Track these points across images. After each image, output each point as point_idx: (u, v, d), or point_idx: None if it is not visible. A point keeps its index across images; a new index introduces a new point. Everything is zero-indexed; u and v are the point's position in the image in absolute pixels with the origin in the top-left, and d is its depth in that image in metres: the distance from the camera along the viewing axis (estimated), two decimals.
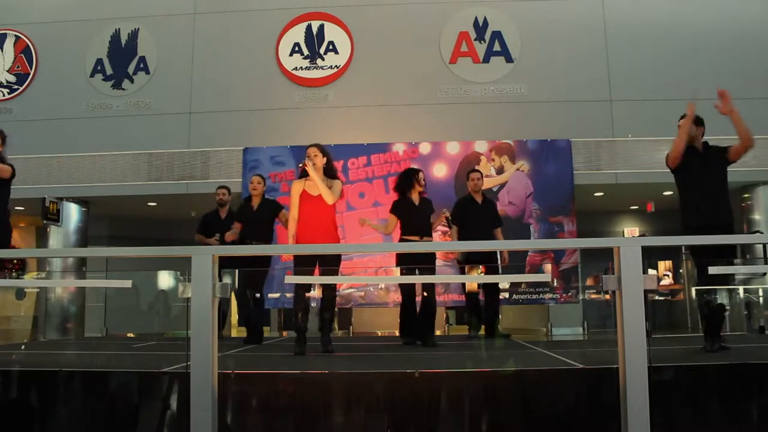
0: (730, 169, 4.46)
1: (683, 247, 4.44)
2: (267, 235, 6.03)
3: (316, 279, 4.73)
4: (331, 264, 4.73)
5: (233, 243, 5.97)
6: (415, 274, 5.48)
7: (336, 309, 9.28)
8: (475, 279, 6.36)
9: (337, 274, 4.98)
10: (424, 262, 5.49)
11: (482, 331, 6.09)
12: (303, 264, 4.79)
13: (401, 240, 5.71)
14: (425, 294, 5.57)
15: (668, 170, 4.54)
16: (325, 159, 4.86)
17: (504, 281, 7.58)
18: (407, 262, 5.59)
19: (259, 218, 5.97)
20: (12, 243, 5.41)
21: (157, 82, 9.49)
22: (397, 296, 8.44)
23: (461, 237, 5.98)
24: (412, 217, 5.60)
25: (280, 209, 6.08)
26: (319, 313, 4.84)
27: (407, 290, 5.67)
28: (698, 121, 4.50)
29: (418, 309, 5.61)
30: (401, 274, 5.91)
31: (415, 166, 7.37)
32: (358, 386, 3.23)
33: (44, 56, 9.71)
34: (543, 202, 8.56)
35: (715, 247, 4.06)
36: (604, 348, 4.28)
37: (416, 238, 5.54)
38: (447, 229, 6.22)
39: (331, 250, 4.56)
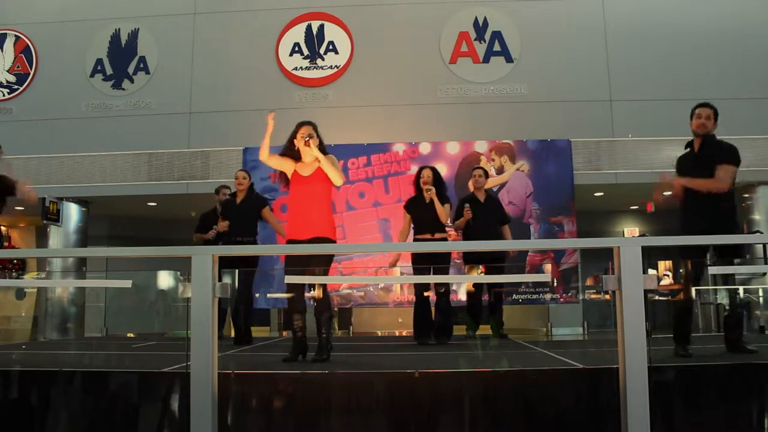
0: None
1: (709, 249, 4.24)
2: (252, 230, 5.97)
3: (316, 279, 4.60)
4: (320, 264, 4.11)
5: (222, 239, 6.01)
6: (429, 273, 5.51)
7: (336, 309, 9.35)
8: (475, 279, 6.36)
9: (326, 275, 4.45)
10: (437, 261, 5.50)
11: (480, 331, 6.11)
12: (293, 264, 4.20)
13: (415, 239, 5.74)
14: (440, 293, 5.62)
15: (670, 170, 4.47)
16: (317, 140, 4.27)
17: (504, 281, 7.58)
18: (419, 261, 5.63)
19: (243, 213, 5.96)
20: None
21: (157, 82, 9.49)
22: (396, 296, 8.46)
23: (464, 236, 6.02)
24: (420, 214, 5.67)
25: (265, 204, 6.07)
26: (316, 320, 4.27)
27: (419, 290, 5.72)
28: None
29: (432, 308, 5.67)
30: (414, 273, 5.93)
31: (415, 166, 7.40)
32: (358, 386, 3.23)
33: (44, 56, 9.71)
34: (543, 202, 8.56)
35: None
36: (604, 348, 4.27)
37: (428, 235, 5.60)
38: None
39: (332, 251, 4.48)
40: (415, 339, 5.64)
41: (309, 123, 4.34)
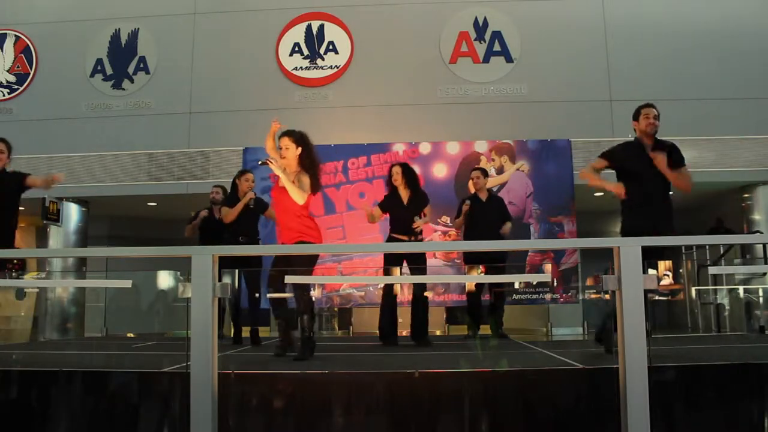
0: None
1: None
2: (257, 230, 6.07)
3: (316, 279, 4.60)
4: (302, 266, 4.16)
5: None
6: (400, 273, 5.44)
7: (336, 309, 9.34)
8: (475, 279, 6.35)
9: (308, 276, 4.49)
10: (412, 261, 5.42)
11: (481, 331, 6.10)
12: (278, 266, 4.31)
13: (389, 238, 5.60)
14: (416, 293, 5.57)
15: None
16: (299, 149, 4.29)
17: (504, 281, 7.57)
18: (393, 261, 5.49)
19: (251, 213, 5.98)
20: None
21: (157, 82, 9.49)
22: (398, 296, 8.44)
23: (467, 236, 5.98)
24: (398, 213, 5.52)
25: (267, 207, 6.11)
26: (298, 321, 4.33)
27: (386, 290, 5.62)
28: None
29: (411, 309, 5.62)
30: (385, 273, 5.85)
31: (416, 166, 7.37)
32: (358, 386, 3.23)
33: (44, 56, 9.70)
34: (543, 202, 8.56)
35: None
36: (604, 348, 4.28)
37: (404, 237, 5.45)
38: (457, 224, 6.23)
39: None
40: (381, 339, 5.53)
41: (287, 135, 4.33)
